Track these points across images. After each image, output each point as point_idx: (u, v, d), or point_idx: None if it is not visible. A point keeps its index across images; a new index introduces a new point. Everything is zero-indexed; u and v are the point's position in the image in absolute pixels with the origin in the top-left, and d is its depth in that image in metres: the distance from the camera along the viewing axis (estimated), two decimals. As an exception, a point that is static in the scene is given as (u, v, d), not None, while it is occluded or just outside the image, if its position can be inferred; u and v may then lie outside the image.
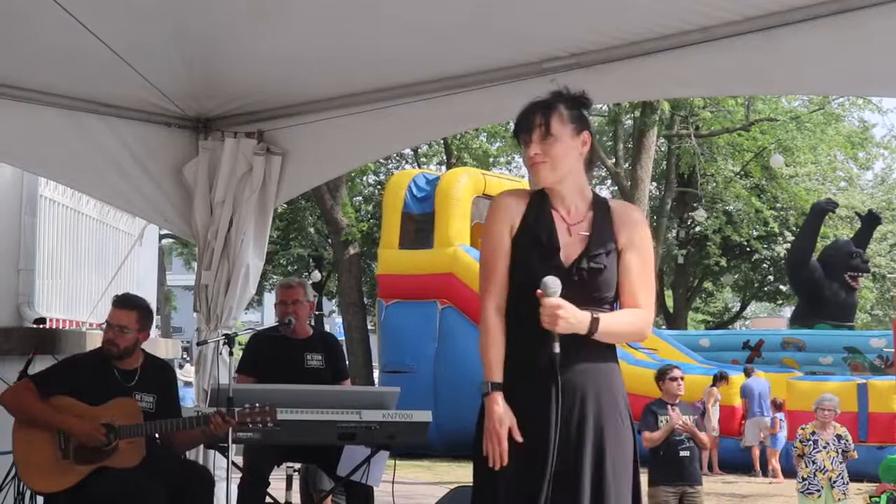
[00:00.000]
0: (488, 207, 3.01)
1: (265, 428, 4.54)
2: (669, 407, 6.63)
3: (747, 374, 14.59)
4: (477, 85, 4.85)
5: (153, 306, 6.00)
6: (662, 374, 6.81)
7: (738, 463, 14.37)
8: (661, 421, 6.57)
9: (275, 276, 28.79)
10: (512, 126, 3.13)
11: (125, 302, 4.83)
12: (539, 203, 2.98)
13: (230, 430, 4.50)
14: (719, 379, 13.89)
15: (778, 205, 26.01)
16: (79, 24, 4.32)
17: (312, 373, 5.61)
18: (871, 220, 21.40)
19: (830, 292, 19.55)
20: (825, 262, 20.00)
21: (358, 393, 5.78)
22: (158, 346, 7.72)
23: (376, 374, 18.19)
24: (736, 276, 29.67)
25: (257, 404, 4.51)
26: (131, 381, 4.73)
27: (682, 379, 6.87)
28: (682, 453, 6.56)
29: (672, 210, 25.83)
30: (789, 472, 12.69)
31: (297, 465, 5.75)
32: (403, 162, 27.18)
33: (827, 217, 22.82)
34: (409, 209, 15.78)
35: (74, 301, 7.81)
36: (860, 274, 20.39)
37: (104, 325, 4.84)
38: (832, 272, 19.67)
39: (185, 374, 14.63)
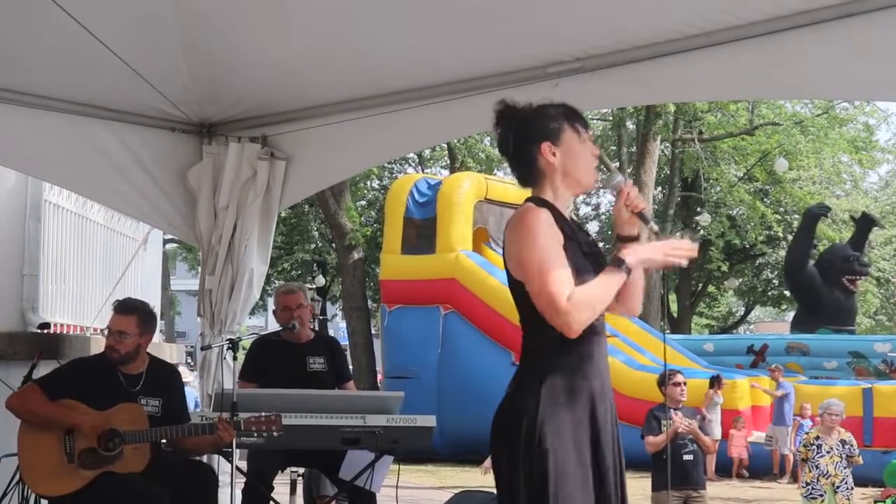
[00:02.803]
0: (523, 217, 2.80)
1: (270, 434, 4.54)
2: (672, 411, 6.63)
3: (776, 378, 14.44)
4: (481, 89, 4.84)
5: (157, 311, 5.99)
6: (665, 380, 6.81)
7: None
8: (664, 425, 6.56)
9: (278, 281, 28.79)
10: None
11: (124, 307, 4.82)
12: (560, 216, 2.87)
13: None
14: (714, 381, 13.85)
15: (782, 209, 25.98)
16: (83, 29, 4.33)
17: (315, 376, 5.60)
18: (865, 222, 21.36)
19: (830, 297, 19.53)
20: (822, 266, 19.99)
21: (362, 398, 5.77)
22: (162, 350, 7.72)
23: (380, 378, 18.18)
24: (740, 281, 29.60)
25: (263, 413, 4.51)
26: (136, 385, 4.73)
27: (684, 384, 6.87)
28: (686, 457, 6.57)
29: (676, 214, 25.79)
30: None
31: (302, 470, 5.74)
32: (407, 166, 27.18)
33: (831, 221, 22.79)
34: (411, 214, 15.75)
35: (79, 306, 7.81)
36: (858, 277, 20.37)
37: (105, 331, 4.84)
38: (830, 277, 19.66)
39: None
